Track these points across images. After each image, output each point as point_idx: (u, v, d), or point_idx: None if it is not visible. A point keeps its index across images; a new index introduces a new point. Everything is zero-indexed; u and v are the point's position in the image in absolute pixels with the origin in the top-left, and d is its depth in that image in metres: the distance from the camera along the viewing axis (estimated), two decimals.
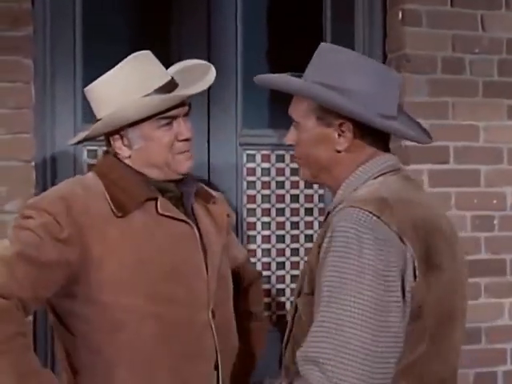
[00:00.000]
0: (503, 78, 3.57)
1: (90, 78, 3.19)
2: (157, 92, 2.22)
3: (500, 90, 3.56)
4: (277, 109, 3.40)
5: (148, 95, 2.21)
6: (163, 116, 2.21)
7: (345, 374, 1.71)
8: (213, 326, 2.26)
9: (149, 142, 2.23)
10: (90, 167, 2.87)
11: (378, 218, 1.81)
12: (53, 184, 3.14)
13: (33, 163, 3.08)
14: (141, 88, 2.21)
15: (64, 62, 3.22)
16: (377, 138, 2.00)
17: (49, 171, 3.18)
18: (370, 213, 1.82)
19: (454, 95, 3.48)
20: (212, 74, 2.35)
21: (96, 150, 3.25)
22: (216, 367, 2.27)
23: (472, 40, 3.52)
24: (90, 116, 3.06)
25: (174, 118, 2.24)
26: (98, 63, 3.21)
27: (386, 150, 2.03)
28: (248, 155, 3.45)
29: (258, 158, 3.46)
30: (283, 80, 2.05)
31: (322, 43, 2.09)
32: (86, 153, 3.25)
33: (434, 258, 1.86)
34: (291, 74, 2.11)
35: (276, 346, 3.39)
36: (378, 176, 1.98)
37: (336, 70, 1.98)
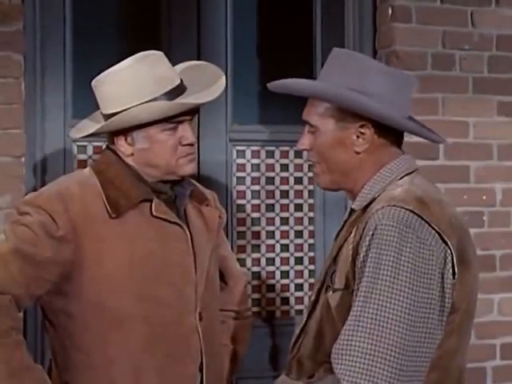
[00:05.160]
0: (493, 74, 3.57)
1: (80, 73, 3.23)
2: (166, 95, 2.22)
3: (490, 87, 3.56)
4: (267, 105, 3.39)
5: (157, 98, 2.21)
6: (171, 120, 2.22)
7: (377, 369, 1.74)
8: (199, 328, 2.28)
9: (153, 144, 2.24)
10: (92, 162, 2.85)
11: (420, 216, 1.85)
12: (43, 179, 3.14)
13: (23, 159, 3.07)
14: (152, 90, 2.21)
15: (54, 57, 3.21)
16: (394, 139, 2.02)
17: (39, 167, 3.17)
18: (412, 212, 1.85)
19: (443, 91, 3.49)
20: (223, 80, 2.35)
21: (86, 146, 3.24)
22: (200, 369, 2.29)
23: (462, 36, 3.53)
24: (80, 111, 3.08)
25: (181, 122, 2.25)
26: (88, 58, 3.22)
27: (401, 150, 2.05)
28: (238, 151, 3.44)
29: (248, 153, 3.45)
30: (304, 84, 2.04)
31: (334, 48, 2.09)
32: (76, 148, 3.24)
33: (465, 255, 1.90)
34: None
35: (265, 341, 3.41)
36: (403, 176, 2.00)
37: (353, 73, 1.98)
